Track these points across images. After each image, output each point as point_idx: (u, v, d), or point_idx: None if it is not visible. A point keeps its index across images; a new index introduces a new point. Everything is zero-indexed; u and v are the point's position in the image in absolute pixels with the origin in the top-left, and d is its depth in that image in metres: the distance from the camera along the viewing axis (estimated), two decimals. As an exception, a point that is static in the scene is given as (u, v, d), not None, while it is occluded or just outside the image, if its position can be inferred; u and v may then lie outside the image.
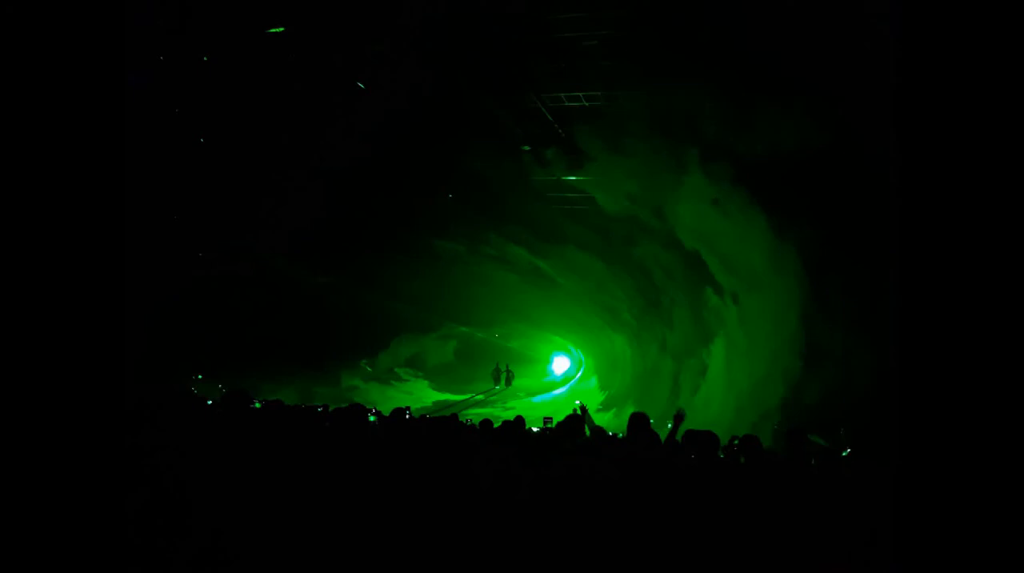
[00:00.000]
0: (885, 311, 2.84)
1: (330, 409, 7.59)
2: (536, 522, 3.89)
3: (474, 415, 16.70)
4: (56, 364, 2.74)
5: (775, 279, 12.08)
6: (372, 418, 6.16)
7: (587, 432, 5.35)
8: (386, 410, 8.35)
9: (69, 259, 2.80)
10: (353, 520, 3.90)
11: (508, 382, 24.69)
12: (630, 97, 12.40)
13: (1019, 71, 2.53)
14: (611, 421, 17.93)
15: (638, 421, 5.05)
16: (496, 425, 6.49)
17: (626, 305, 18.89)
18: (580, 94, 12.96)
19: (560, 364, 27.30)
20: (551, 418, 7.64)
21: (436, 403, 22.76)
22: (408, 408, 7.40)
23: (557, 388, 25.69)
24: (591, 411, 11.81)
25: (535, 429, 6.92)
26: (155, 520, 3.56)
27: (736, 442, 5.45)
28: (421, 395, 23.84)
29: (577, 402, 6.22)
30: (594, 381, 24.45)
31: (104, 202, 2.88)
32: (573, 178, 15.16)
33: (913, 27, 2.67)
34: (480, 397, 23.84)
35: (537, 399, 24.08)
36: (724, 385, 14.18)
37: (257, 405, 6.49)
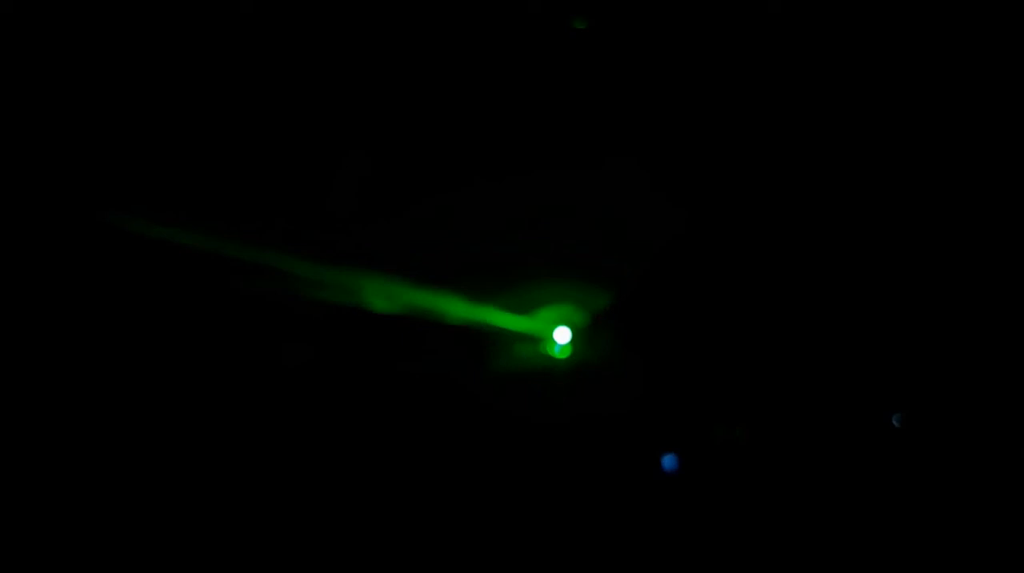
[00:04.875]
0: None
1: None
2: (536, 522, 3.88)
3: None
4: (56, 363, 2.74)
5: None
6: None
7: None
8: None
9: (69, 259, 2.80)
10: (353, 520, 3.89)
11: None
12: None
13: (1019, 71, 2.53)
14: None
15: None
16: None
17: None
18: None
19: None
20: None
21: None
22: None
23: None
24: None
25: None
26: (155, 520, 3.55)
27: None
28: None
29: None
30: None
31: (104, 201, 2.88)
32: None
33: (913, 27, 2.67)
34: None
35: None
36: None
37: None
